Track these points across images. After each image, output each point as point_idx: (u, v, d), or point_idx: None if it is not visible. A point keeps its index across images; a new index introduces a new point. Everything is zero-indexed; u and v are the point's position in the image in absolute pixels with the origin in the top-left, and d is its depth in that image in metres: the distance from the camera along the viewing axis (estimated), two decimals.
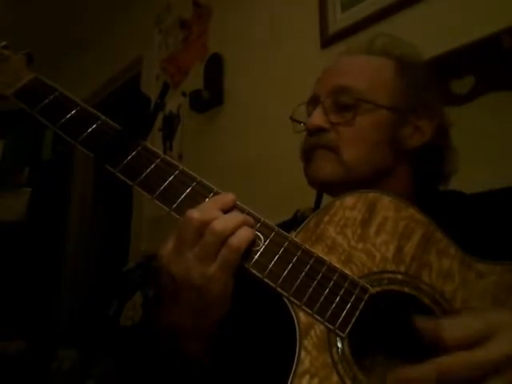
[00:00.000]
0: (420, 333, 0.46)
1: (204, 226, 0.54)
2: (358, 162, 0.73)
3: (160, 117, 2.37)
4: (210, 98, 2.10)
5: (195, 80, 2.23)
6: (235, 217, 0.56)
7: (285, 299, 0.54)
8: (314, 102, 0.79)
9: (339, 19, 1.61)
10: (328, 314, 0.53)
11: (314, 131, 0.75)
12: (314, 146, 0.76)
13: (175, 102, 2.34)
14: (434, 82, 0.81)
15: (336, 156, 0.74)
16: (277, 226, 0.65)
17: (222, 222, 0.54)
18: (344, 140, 0.74)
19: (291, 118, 0.85)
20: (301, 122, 0.83)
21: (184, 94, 2.28)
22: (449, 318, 0.51)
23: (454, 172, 0.81)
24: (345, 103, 0.75)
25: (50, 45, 2.96)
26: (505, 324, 0.45)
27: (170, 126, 2.35)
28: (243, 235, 0.55)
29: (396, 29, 1.37)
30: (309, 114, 0.80)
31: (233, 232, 0.54)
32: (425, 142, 0.77)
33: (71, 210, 3.20)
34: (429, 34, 1.29)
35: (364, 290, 0.54)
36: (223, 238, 0.54)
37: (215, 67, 2.13)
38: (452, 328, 0.45)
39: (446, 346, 0.44)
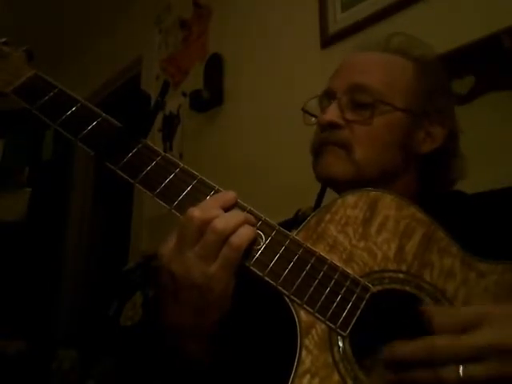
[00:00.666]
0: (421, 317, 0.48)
1: (205, 224, 0.54)
2: (369, 161, 0.73)
3: (160, 117, 2.37)
4: (210, 97, 2.10)
5: (195, 80, 2.23)
6: (236, 215, 0.56)
7: (286, 298, 0.54)
8: (329, 96, 0.78)
9: (339, 19, 1.61)
10: (329, 312, 0.53)
11: (327, 126, 0.75)
12: (325, 141, 0.75)
13: (175, 102, 2.34)
14: (449, 87, 0.81)
15: (347, 154, 0.73)
16: (278, 225, 0.65)
17: (223, 221, 0.54)
18: (357, 138, 0.73)
19: (303, 109, 0.84)
20: (313, 116, 0.82)
21: (184, 94, 2.28)
22: (442, 306, 0.53)
23: (461, 178, 0.80)
24: (362, 102, 0.74)
25: (50, 45, 2.96)
26: (494, 315, 0.46)
27: (170, 126, 2.35)
28: (244, 234, 0.55)
29: (396, 29, 1.35)
30: (322, 108, 0.79)
31: (234, 231, 0.54)
32: (435, 148, 0.76)
33: (71, 210, 3.19)
34: (429, 33, 1.28)
35: (365, 288, 0.54)
36: (224, 237, 0.54)
37: (215, 67, 2.13)
38: (441, 315, 0.47)
39: (434, 332, 0.46)
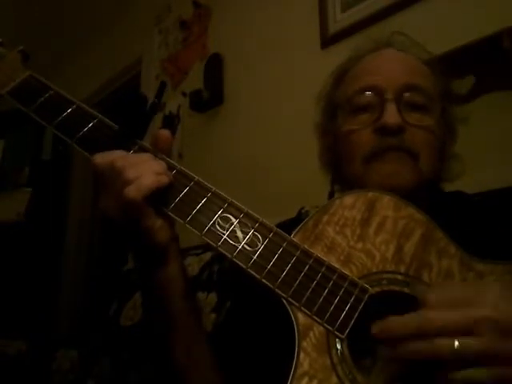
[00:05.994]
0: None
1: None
2: (430, 170, 0.72)
3: (160, 117, 2.37)
4: (210, 97, 2.09)
5: (195, 80, 2.22)
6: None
7: (283, 300, 0.54)
8: (375, 92, 0.73)
9: (339, 19, 1.61)
10: (327, 315, 0.52)
11: (394, 131, 0.70)
12: (392, 146, 0.70)
13: (175, 102, 2.33)
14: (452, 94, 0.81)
15: (414, 162, 0.70)
16: (281, 224, 0.65)
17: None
18: (420, 144, 0.71)
19: (355, 103, 0.75)
20: (364, 111, 0.74)
21: (184, 94, 2.27)
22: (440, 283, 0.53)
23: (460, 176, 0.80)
24: (417, 103, 0.72)
25: (51, 45, 2.96)
26: (491, 290, 0.45)
27: (170, 125, 2.35)
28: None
29: (396, 29, 1.36)
30: (366, 103, 0.73)
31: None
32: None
33: (71, 210, 3.19)
34: (429, 33, 1.28)
35: (363, 290, 0.54)
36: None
37: (215, 67, 2.13)
38: (437, 290, 0.47)
39: (428, 306, 0.45)
